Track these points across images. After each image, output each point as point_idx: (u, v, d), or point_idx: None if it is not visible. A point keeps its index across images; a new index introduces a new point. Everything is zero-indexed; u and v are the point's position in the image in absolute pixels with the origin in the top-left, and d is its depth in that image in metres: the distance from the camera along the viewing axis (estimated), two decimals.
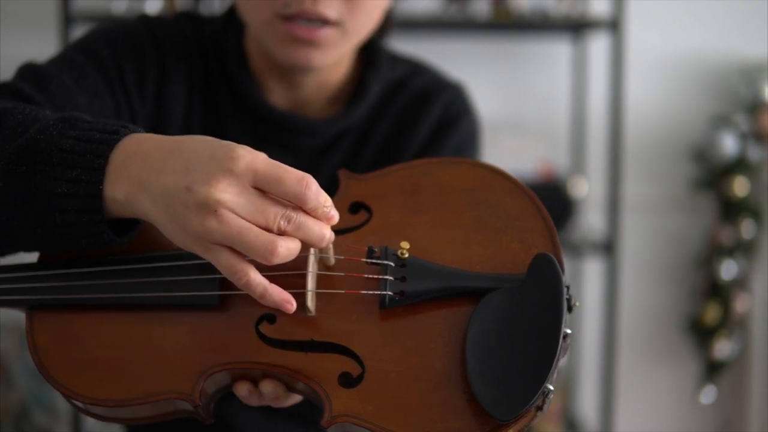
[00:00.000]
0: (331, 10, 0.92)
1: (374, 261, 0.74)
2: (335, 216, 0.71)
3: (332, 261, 0.75)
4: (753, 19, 2.58)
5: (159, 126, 1.01)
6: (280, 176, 0.68)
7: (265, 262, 0.68)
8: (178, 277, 0.75)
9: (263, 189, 0.68)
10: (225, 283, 0.74)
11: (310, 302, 0.73)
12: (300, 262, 0.73)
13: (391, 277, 0.73)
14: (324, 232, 0.70)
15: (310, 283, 0.73)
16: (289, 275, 0.73)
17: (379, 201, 0.79)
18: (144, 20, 1.04)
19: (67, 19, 2.20)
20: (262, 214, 0.67)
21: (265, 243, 0.67)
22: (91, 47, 0.98)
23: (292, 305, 0.71)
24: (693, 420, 2.73)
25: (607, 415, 2.44)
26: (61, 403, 2.46)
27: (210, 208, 0.66)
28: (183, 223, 0.68)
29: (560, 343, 0.67)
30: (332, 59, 0.98)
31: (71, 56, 0.96)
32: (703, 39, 2.61)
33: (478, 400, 0.66)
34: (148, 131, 0.76)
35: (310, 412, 1.05)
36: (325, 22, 0.92)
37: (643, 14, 2.53)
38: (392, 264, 0.74)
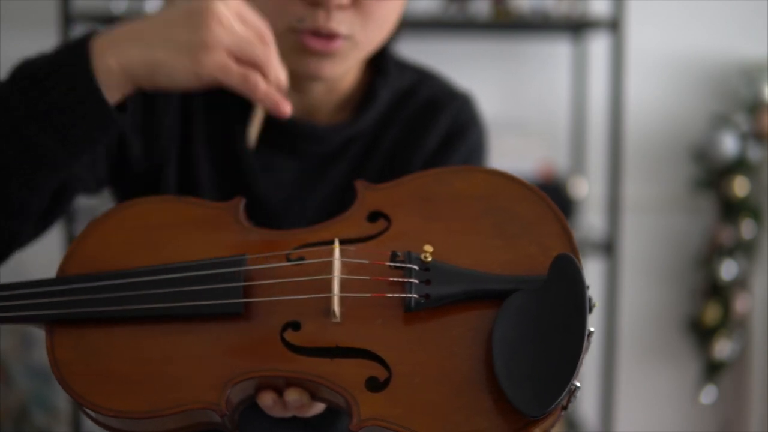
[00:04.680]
0: (343, 26, 0.92)
1: (398, 265, 0.74)
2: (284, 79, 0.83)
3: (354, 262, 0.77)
4: (753, 19, 2.58)
5: (152, 135, 1.01)
6: (249, 11, 0.82)
7: (265, 62, 0.79)
8: (201, 287, 0.75)
9: (242, 18, 0.80)
10: (249, 291, 0.74)
11: (336, 306, 0.73)
12: (325, 266, 0.74)
13: (415, 280, 0.73)
14: (282, 75, 0.83)
15: (336, 287, 0.73)
16: (313, 280, 0.74)
17: (396, 209, 0.80)
18: None
19: (67, 19, 2.20)
20: (249, 32, 0.80)
21: (261, 48, 0.79)
22: None
23: (284, 109, 0.81)
24: (693, 420, 2.73)
25: (607, 415, 2.44)
26: (61, 403, 2.46)
27: (215, 16, 0.77)
28: (187, 44, 0.77)
29: (585, 339, 0.68)
30: (342, 70, 0.97)
31: None
32: (703, 39, 2.61)
33: (508, 398, 0.67)
34: (140, 141, 0.92)
35: (319, 421, 1.05)
36: (335, 36, 0.92)
37: (643, 14, 2.53)
38: (416, 267, 0.74)
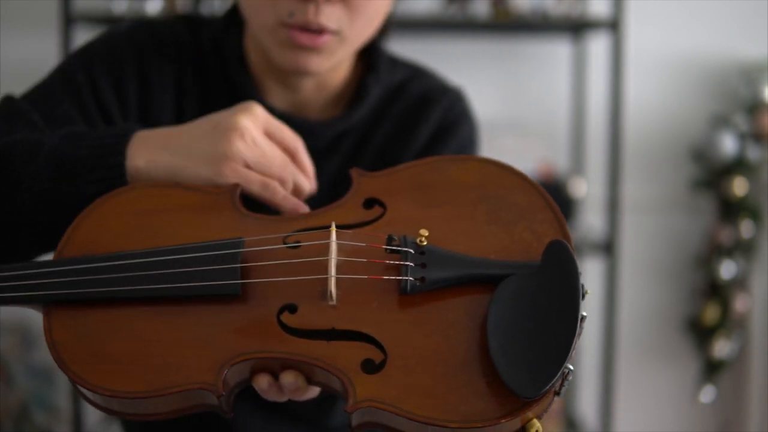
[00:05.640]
0: (332, 21, 0.93)
1: (394, 248, 0.75)
2: (315, 183, 0.90)
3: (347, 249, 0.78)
4: (753, 19, 2.59)
5: None
6: (282, 126, 0.88)
7: (280, 180, 0.84)
8: (199, 268, 0.75)
9: (269, 134, 0.86)
10: (246, 273, 0.75)
11: (333, 288, 0.74)
12: (322, 249, 0.75)
13: (411, 263, 0.74)
14: (308, 188, 0.89)
15: (333, 268, 0.74)
16: (310, 262, 0.75)
17: (391, 196, 0.82)
18: (130, 29, 1.04)
19: (68, 19, 2.20)
20: (272, 150, 0.85)
21: (281, 164, 0.85)
22: (69, 73, 1.00)
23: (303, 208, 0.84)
24: (693, 420, 2.73)
25: (606, 415, 2.44)
26: (62, 403, 2.47)
27: (238, 131, 0.83)
28: (208, 154, 0.83)
29: (579, 322, 0.68)
30: (329, 65, 0.98)
31: (50, 83, 1.00)
32: (703, 39, 2.61)
33: (503, 380, 0.67)
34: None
35: (311, 413, 1.05)
36: (323, 30, 0.93)
37: (643, 14, 2.53)
38: (411, 251, 0.75)
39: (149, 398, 0.71)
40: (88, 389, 0.71)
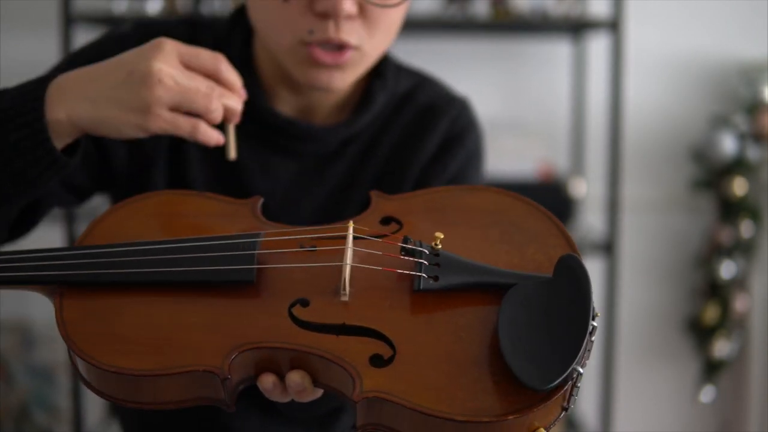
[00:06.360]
0: (352, 37, 0.93)
1: (409, 247, 0.77)
2: (243, 92, 0.90)
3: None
4: (753, 19, 2.59)
5: (137, 140, 1.01)
6: (198, 51, 0.86)
7: (206, 113, 0.84)
8: (216, 254, 0.78)
9: (186, 64, 0.85)
10: (263, 261, 0.78)
11: (347, 275, 0.75)
12: (337, 248, 0.78)
13: (425, 262, 0.76)
14: (239, 105, 0.89)
15: (348, 257, 0.76)
16: (327, 253, 0.78)
17: (408, 216, 0.84)
18: (125, 34, 1.03)
19: (68, 19, 2.20)
20: (194, 81, 0.84)
21: (206, 92, 0.84)
22: None
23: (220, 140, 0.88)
24: (692, 420, 2.73)
25: (606, 415, 2.44)
26: (62, 403, 2.47)
27: (154, 77, 0.81)
28: (130, 104, 0.82)
29: (589, 326, 0.70)
30: (351, 81, 0.99)
31: None
32: (702, 39, 2.61)
33: (513, 371, 0.68)
34: (123, 147, 0.96)
35: (314, 424, 1.05)
36: (345, 47, 0.93)
37: (643, 14, 2.53)
38: (426, 252, 0.77)
39: (154, 377, 0.72)
40: (93, 365, 0.72)
